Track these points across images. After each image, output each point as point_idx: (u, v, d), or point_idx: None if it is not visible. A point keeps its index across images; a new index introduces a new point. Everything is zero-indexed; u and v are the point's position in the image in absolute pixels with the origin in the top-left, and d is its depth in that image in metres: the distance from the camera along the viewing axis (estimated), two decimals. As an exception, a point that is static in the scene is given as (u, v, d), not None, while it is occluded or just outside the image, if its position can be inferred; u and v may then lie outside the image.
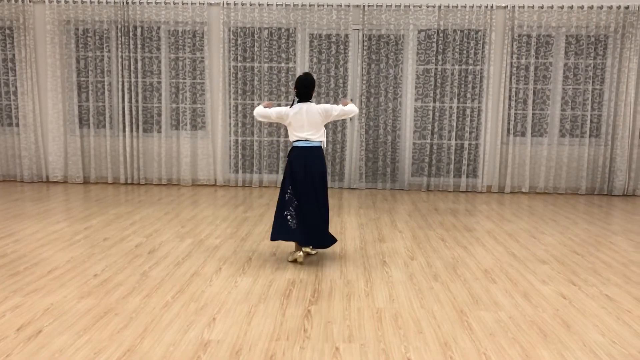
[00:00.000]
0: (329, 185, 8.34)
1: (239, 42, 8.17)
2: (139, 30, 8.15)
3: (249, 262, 4.64)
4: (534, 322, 3.50)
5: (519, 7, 7.93)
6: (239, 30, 8.16)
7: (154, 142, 8.41)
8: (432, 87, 8.14)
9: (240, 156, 8.41)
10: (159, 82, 8.29)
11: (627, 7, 7.85)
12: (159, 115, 8.35)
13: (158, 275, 4.25)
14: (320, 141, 4.70)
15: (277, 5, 8.04)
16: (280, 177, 8.37)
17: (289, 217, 4.57)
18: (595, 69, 8.06)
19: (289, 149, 4.81)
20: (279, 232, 4.62)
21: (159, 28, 8.21)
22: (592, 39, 7.98)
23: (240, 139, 8.38)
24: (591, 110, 8.13)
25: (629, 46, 7.90)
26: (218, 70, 8.24)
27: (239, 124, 8.33)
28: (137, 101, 8.29)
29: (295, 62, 8.17)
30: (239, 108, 8.31)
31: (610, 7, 7.86)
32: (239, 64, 8.22)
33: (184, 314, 3.52)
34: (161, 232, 5.58)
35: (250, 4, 8.05)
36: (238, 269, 4.45)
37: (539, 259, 4.91)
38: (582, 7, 7.89)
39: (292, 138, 4.71)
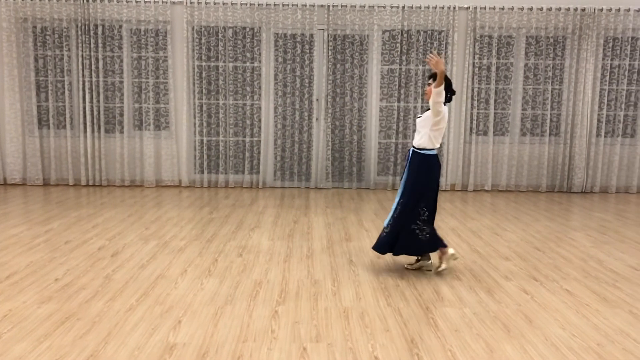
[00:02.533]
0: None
1: (203, 41, 8.08)
2: (99, 28, 7.98)
3: (214, 264, 4.59)
4: (497, 317, 3.58)
5: (481, 8, 8.08)
6: (203, 29, 8.07)
7: (116, 143, 8.24)
8: (397, 87, 8.21)
9: (205, 156, 8.32)
10: (121, 82, 8.13)
11: (583, 10, 8.08)
12: (121, 115, 8.19)
13: (122, 279, 4.17)
14: None
15: (241, 4, 7.99)
16: (247, 177, 8.33)
17: (417, 230, 4.36)
18: (554, 69, 8.27)
19: (429, 156, 4.38)
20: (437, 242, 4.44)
21: (120, 27, 8.05)
22: (551, 40, 8.19)
23: (205, 139, 8.29)
24: (551, 109, 8.34)
25: (586, 47, 8.14)
26: (182, 69, 8.13)
27: (204, 124, 8.24)
28: (98, 101, 8.12)
29: (260, 61, 8.13)
30: (204, 108, 8.21)
31: (568, 9, 8.08)
32: (204, 63, 8.13)
33: (148, 317, 3.46)
34: (124, 234, 5.48)
35: (215, 3, 7.98)
36: (204, 271, 4.40)
37: (501, 255, 5.01)
38: (541, 9, 8.08)
39: (437, 145, 4.40)
